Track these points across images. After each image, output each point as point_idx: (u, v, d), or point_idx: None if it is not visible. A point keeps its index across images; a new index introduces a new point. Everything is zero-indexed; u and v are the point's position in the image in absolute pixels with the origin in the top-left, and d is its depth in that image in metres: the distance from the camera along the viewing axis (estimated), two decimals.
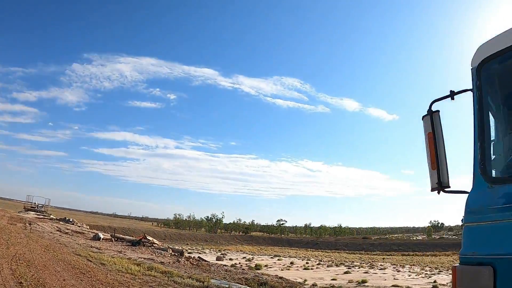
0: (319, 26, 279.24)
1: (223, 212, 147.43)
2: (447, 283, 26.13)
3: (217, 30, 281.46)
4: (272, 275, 19.67)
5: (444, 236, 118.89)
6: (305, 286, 20.49)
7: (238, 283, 13.93)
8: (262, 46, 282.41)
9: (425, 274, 33.24)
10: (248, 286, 13.62)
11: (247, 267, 30.88)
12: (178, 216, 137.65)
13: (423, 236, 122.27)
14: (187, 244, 77.75)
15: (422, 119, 4.02)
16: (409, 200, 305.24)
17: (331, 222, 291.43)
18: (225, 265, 24.06)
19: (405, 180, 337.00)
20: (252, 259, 46.42)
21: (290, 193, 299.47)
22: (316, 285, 23.85)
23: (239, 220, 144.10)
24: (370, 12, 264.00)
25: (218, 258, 43.52)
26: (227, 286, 12.93)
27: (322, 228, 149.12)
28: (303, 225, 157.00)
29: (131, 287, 10.84)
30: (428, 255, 63.20)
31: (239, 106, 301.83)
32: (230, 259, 44.76)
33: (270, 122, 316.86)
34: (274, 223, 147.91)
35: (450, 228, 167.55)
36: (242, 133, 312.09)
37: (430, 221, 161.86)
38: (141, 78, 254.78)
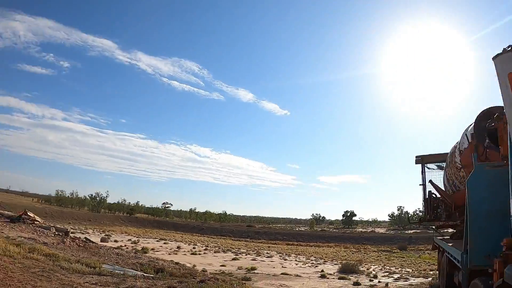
0: (224, 16, 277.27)
1: (107, 191, 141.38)
2: (333, 272, 26.51)
3: (123, 1, 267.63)
4: (168, 260, 18.34)
5: (325, 228, 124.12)
6: (204, 272, 19.29)
7: (133, 269, 12.47)
8: (166, 25, 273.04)
9: (311, 263, 33.65)
10: (145, 273, 12.16)
11: (134, 250, 29.27)
12: (60, 193, 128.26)
13: (305, 228, 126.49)
14: (69, 223, 72.95)
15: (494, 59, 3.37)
16: (293, 192, 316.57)
17: (216, 209, 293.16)
18: (115, 248, 22.28)
19: (290, 173, 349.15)
20: (138, 242, 44.35)
21: (176, 177, 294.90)
22: (206, 271, 22.84)
23: (124, 200, 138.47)
24: (274, 10, 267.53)
25: (102, 239, 41.09)
26: (121, 272, 11.35)
27: (207, 214, 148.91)
28: (189, 210, 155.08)
29: (10, 273, 8.93)
30: (311, 246, 64.99)
31: (134, 83, 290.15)
32: (115, 241, 42.52)
33: (163, 103, 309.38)
34: (160, 205, 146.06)
35: (331, 222, 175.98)
36: (134, 112, 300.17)
37: (312, 214, 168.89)
38: (35, 40, 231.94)
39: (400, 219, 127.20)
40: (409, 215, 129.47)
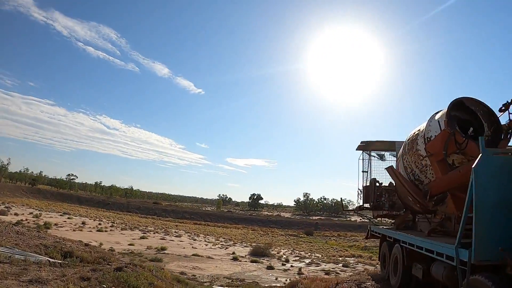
0: None
1: (9, 159, 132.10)
2: (245, 255, 26.01)
3: None
4: (76, 241, 16.60)
5: (232, 210, 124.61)
6: (116, 255, 17.68)
7: (36, 253, 10.60)
8: None
9: (222, 244, 32.99)
10: (50, 258, 10.46)
11: (37, 226, 26.90)
12: None
13: (212, 208, 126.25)
14: None
15: None
16: (200, 172, 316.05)
17: (122, 183, 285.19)
18: (15, 225, 20.09)
19: (199, 152, 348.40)
20: (40, 216, 41.22)
21: (83, 148, 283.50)
22: (113, 250, 21.34)
23: (27, 169, 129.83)
24: None
25: (1, 212, 38.07)
26: (22, 257, 9.50)
27: (113, 188, 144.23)
28: (94, 183, 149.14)
29: None
30: (220, 226, 64.57)
31: (47, 44, 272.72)
32: (16, 214, 39.50)
33: (76, 69, 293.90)
34: (64, 177, 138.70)
35: (237, 204, 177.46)
36: (44, 75, 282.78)
37: (219, 195, 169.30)
38: None
39: (305, 205, 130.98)
40: (314, 202, 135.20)
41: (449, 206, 8.88)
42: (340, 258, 27.88)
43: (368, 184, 15.29)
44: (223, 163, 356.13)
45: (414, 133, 11.13)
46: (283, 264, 22.87)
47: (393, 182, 13.01)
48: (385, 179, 14.66)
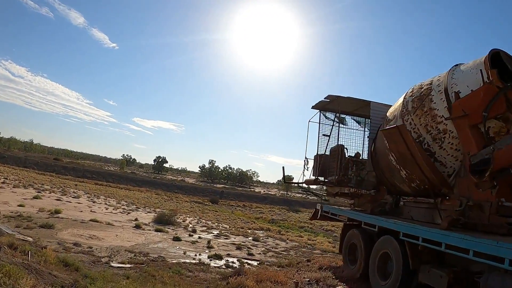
0: None
1: None
2: (149, 222, 23.63)
3: None
4: None
5: (135, 171, 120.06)
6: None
7: None
8: None
9: (123, 209, 30.11)
10: None
11: None
12: None
13: (115, 168, 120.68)
14: None
15: None
16: (106, 130, 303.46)
17: (23, 136, 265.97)
18: None
19: (106, 109, 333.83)
20: None
21: None
22: None
23: None
24: None
25: None
26: None
27: (11, 140, 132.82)
28: None
29: None
30: (122, 188, 60.95)
31: None
32: None
33: None
34: None
35: (141, 165, 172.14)
36: None
37: (123, 155, 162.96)
38: None
39: (210, 173, 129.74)
40: (220, 170, 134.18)
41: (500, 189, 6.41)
42: (249, 231, 26.31)
43: (327, 153, 12.50)
44: (130, 123, 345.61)
45: (422, 87, 8.33)
46: (190, 235, 20.78)
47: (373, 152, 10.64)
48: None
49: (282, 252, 18.22)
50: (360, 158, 12.20)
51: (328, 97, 12.36)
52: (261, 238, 22.89)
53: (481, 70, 6.93)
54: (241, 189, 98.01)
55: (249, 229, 27.86)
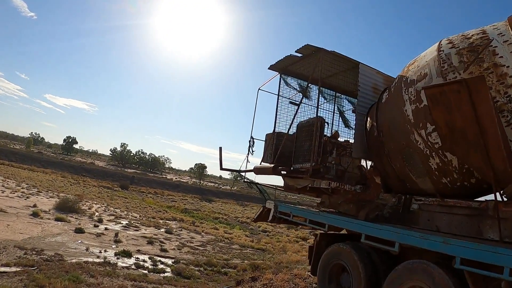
0: None
1: None
2: (49, 209, 20.68)
3: None
4: None
5: (43, 151, 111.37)
6: None
7: None
8: None
9: (22, 192, 26.52)
10: None
11: None
12: None
13: (21, 146, 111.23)
14: None
15: None
16: (15, 105, 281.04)
17: None
18: None
19: (18, 83, 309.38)
20: None
21: None
22: None
23: None
24: None
25: None
26: None
27: None
28: None
29: None
30: (25, 169, 55.28)
31: None
32: None
33: None
34: None
35: (50, 145, 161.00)
36: None
37: (31, 133, 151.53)
38: None
39: (122, 156, 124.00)
40: (132, 154, 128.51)
41: None
42: (161, 221, 24.11)
43: (295, 131, 9.01)
44: (41, 99, 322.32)
45: (468, 37, 5.87)
46: (95, 226, 18.25)
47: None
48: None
49: (199, 248, 16.37)
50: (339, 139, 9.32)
51: (305, 49, 8.42)
52: (174, 230, 20.86)
53: None
54: (152, 175, 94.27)
55: (161, 219, 25.64)
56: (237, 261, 13.81)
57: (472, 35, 5.81)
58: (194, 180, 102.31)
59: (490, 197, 5.90)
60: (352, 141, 9.21)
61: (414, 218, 6.66)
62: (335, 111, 10.94)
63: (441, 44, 6.16)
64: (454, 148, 5.33)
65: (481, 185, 5.90)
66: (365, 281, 6.50)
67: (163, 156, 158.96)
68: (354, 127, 9.10)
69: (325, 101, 10.71)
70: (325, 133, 8.54)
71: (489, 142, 4.75)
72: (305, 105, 10.06)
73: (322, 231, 8.04)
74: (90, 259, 11.40)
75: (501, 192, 5.39)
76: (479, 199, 6.09)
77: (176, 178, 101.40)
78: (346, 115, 10.91)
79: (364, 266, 6.60)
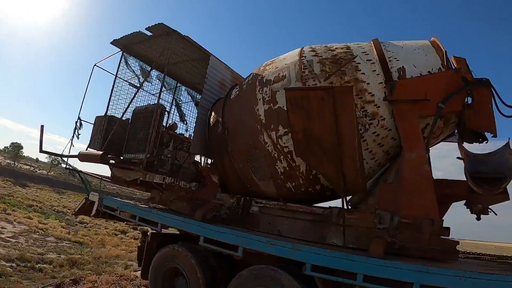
0: None
1: None
2: None
3: None
4: None
5: None
6: None
7: None
8: None
9: None
10: None
11: None
12: None
13: None
14: None
15: None
16: None
17: None
18: None
19: None
20: None
21: None
22: None
23: None
24: None
25: None
26: None
27: None
28: None
29: None
30: None
31: None
32: None
33: None
34: None
35: None
36: None
37: None
38: None
39: None
40: None
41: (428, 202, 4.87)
42: None
43: (131, 117, 7.97)
44: None
45: (332, 49, 5.80)
46: None
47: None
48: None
49: (10, 239, 14.02)
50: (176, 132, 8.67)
51: (157, 28, 7.39)
52: None
53: (434, 52, 5.53)
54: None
55: None
56: (53, 255, 12.15)
57: (336, 48, 5.83)
58: (9, 161, 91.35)
59: (332, 203, 6.06)
60: (187, 135, 8.98)
61: (254, 221, 6.36)
62: (173, 103, 10.21)
63: (304, 51, 6.03)
64: (307, 154, 5.10)
65: (325, 192, 5.92)
66: (203, 287, 6.04)
67: None
68: (193, 120, 8.76)
69: (165, 90, 9.72)
70: (163, 124, 7.88)
71: (345, 153, 4.66)
72: (144, 91, 9.05)
73: (153, 231, 7.28)
74: None
75: (347, 200, 5.39)
76: (320, 205, 6.15)
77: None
78: (183, 108, 10.27)
79: (202, 270, 6.11)
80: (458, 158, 5.53)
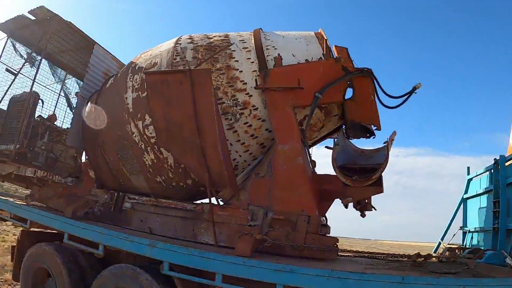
0: None
1: None
2: None
3: None
4: None
5: None
6: None
7: None
8: None
9: None
10: None
11: None
12: None
13: None
14: None
15: None
16: None
17: None
18: None
19: None
20: None
21: None
22: None
23: None
24: None
25: None
26: None
27: None
28: None
29: None
30: None
31: None
32: None
33: None
34: None
35: None
36: None
37: None
38: None
39: None
40: None
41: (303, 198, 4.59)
42: None
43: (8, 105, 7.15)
44: None
45: (210, 38, 5.42)
46: None
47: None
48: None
49: None
50: (56, 124, 8.01)
51: (39, 11, 6.74)
52: None
53: (317, 42, 5.26)
54: None
55: None
56: None
57: (214, 36, 5.51)
58: None
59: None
60: None
61: (127, 218, 5.83)
62: (61, 94, 9.38)
63: (181, 38, 5.63)
64: (170, 144, 4.75)
65: (199, 187, 5.43)
66: (69, 287, 5.37)
67: None
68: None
69: (55, 81, 9.11)
70: (40, 114, 7.31)
71: (206, 142, 4.39)
72: (29, 78, 8.08)
73: (24, 228, 6.64)
74: None
75: (218, 195, 5.07)
76: (197, 202, 5.66)
77: None
78: (72, 99, 9.43)
79: (68, 271, 5.41)
80: (326, 147, 5.35)
